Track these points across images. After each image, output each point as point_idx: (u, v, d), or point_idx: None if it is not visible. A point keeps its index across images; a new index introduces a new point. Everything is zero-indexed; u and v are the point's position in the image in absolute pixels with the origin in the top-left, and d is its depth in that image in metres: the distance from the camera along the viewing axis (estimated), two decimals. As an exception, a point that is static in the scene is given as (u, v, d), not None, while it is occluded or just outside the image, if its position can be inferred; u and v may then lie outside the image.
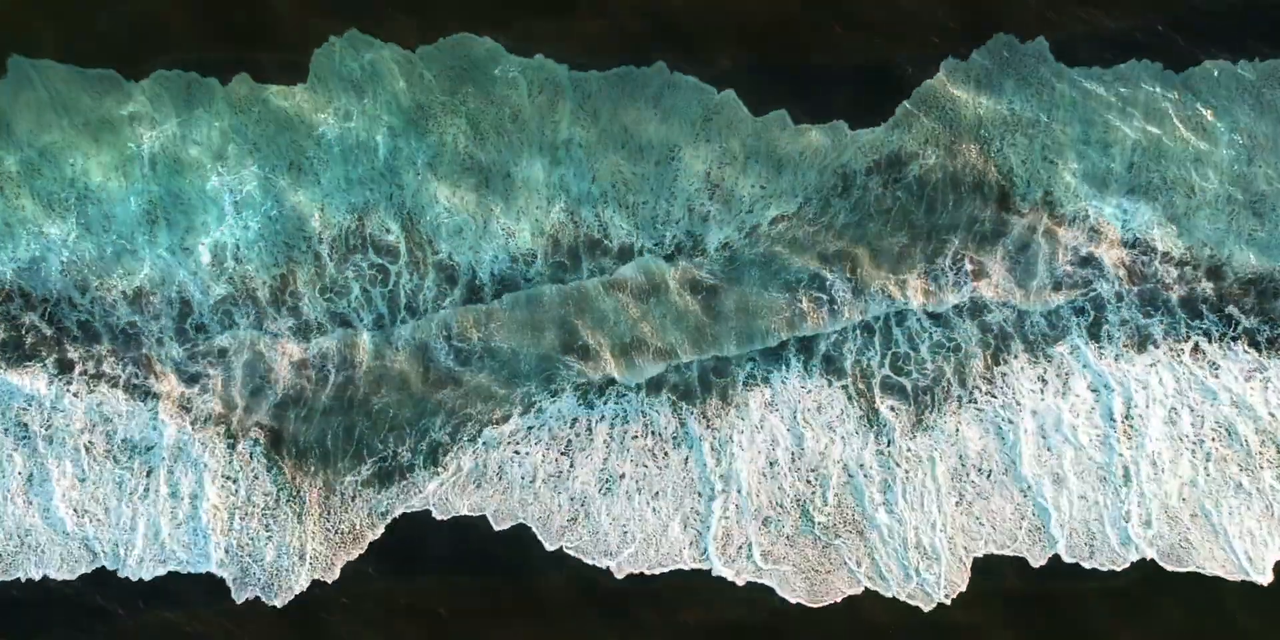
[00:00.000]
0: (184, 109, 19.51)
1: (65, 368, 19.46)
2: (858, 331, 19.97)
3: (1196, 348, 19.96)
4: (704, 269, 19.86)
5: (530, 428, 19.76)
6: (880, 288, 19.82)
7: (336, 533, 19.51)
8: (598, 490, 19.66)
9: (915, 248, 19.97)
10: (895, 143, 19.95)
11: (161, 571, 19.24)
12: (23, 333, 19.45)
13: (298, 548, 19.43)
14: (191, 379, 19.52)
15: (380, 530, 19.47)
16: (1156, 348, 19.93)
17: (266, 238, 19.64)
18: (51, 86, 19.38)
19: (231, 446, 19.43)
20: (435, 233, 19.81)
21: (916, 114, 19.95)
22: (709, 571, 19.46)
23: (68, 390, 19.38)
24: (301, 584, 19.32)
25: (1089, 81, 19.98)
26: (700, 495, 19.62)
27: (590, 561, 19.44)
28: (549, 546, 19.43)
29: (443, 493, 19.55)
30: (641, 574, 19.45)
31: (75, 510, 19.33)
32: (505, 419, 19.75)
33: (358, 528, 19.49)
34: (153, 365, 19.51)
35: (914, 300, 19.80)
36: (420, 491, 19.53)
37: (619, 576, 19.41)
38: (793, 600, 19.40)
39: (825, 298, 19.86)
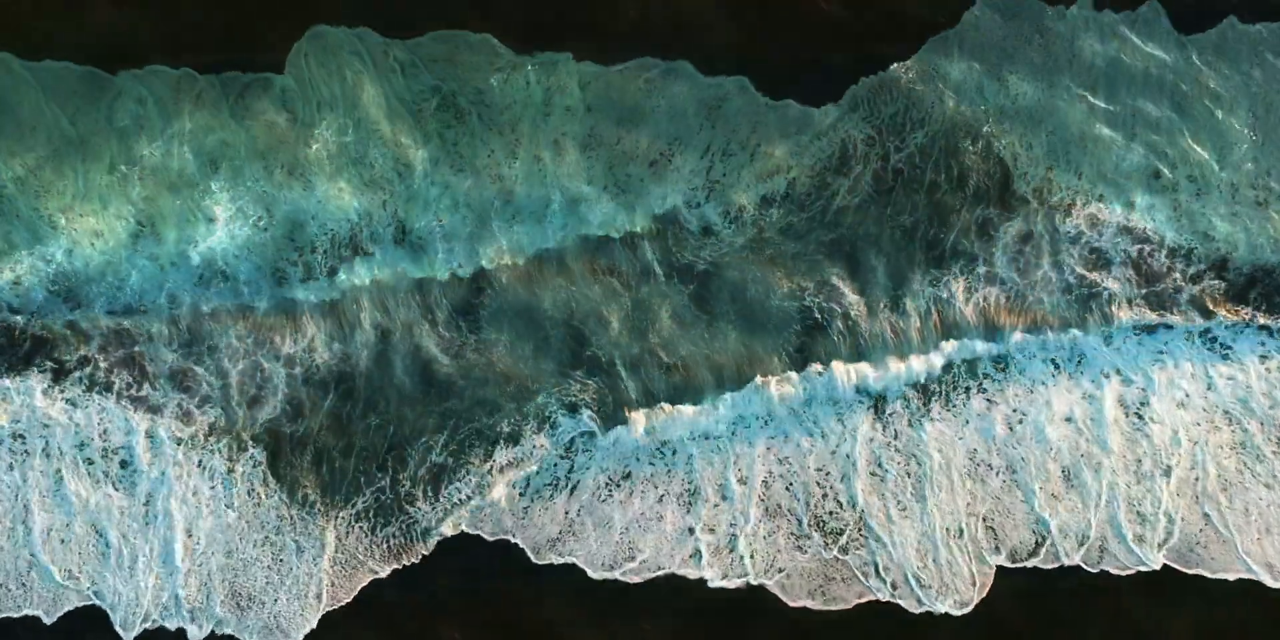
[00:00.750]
0: (172, 106, 19.18)
1: (59, 376, 19.02)
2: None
3: (1208, 332, 19.82)
4: (688, 249, 19.61)
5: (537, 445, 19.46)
6: (886, 314, 19.69)
7: (344, 573, 19.05)
8: (596, 497, 19.33)
9: (917, 234, 19.77)
10: (890, 106, 19.85)
11: (159, 625, 18.83)
12: (15, 341, 19.04)
13: (307, 591, 18.95)
14: (187, 389, 19.11)
15: (389, 569, 19.08)
16: (1170, 329, 19.79)
17: (255, 249, 19.32)
18: (42, 83, 19.06)
19: (230, 471, 18.95)
20: (429, 238, 19.51)
21: (907, 78, 19.88)
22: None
23: (61, 397, 18.95)
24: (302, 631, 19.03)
25: (1091, 38, 19.92)
26: (706, 500, 19.32)
27: (583, 567, 19.15)
28: (536, 559, 19.06)
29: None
30: (656, 572, 19.21)
31: (71, 548, 18.85)
32: (516, 437, 19.36)
33: (366, 567, 19.03)
34: (147, 375, 19.10)
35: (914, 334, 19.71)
36: (426, 528, 19.07)
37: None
38: (795, 604, 19.21)
39: (837, 310, 19.71)
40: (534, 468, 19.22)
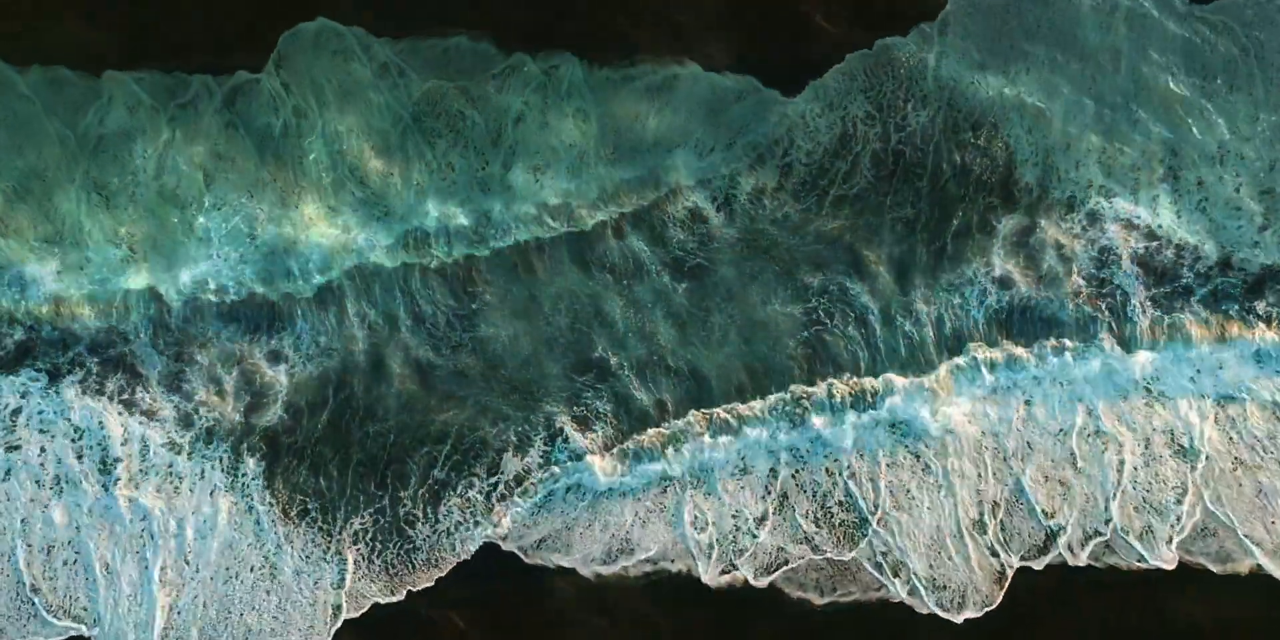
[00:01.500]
0: (164, 113, 18.92)
1: (55, 378, 18.85)
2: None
3: (1222, 325, 19.52)
4: (674, 241, 19.36)
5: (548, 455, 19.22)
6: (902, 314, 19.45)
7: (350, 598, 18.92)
8: (594, 494, 19.20)
9: (918, 227, 19.44)
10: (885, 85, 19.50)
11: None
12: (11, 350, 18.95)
13: (314, 623, 18.81)
14: (178, 390, 18.92)
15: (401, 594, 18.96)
16: (1182, 312, 19.48)
17: (247, 260, 19.12)
18: (34, 90, 18.81)
19: (230, 486, 18.79)
20: (427, 242, 19.33)
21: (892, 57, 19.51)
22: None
23: (55, 403, 18.79)
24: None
25: (1091, 19, 19.39)
26: (707, 494, 19.16)
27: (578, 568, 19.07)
28: (527, 559, 18.95)
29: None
30: (657, 571, 19.15)
31: (75, 571, 18.65)
32: (524, 447, 19.13)
33: (367, 597, 18.89)
34: (140, 378, 18.93)
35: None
36: (430, 558, 18.86)
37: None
38: (796, 596, 19.21)
39: (849, 316, 19.47)
40: (539, 492, 19.05)
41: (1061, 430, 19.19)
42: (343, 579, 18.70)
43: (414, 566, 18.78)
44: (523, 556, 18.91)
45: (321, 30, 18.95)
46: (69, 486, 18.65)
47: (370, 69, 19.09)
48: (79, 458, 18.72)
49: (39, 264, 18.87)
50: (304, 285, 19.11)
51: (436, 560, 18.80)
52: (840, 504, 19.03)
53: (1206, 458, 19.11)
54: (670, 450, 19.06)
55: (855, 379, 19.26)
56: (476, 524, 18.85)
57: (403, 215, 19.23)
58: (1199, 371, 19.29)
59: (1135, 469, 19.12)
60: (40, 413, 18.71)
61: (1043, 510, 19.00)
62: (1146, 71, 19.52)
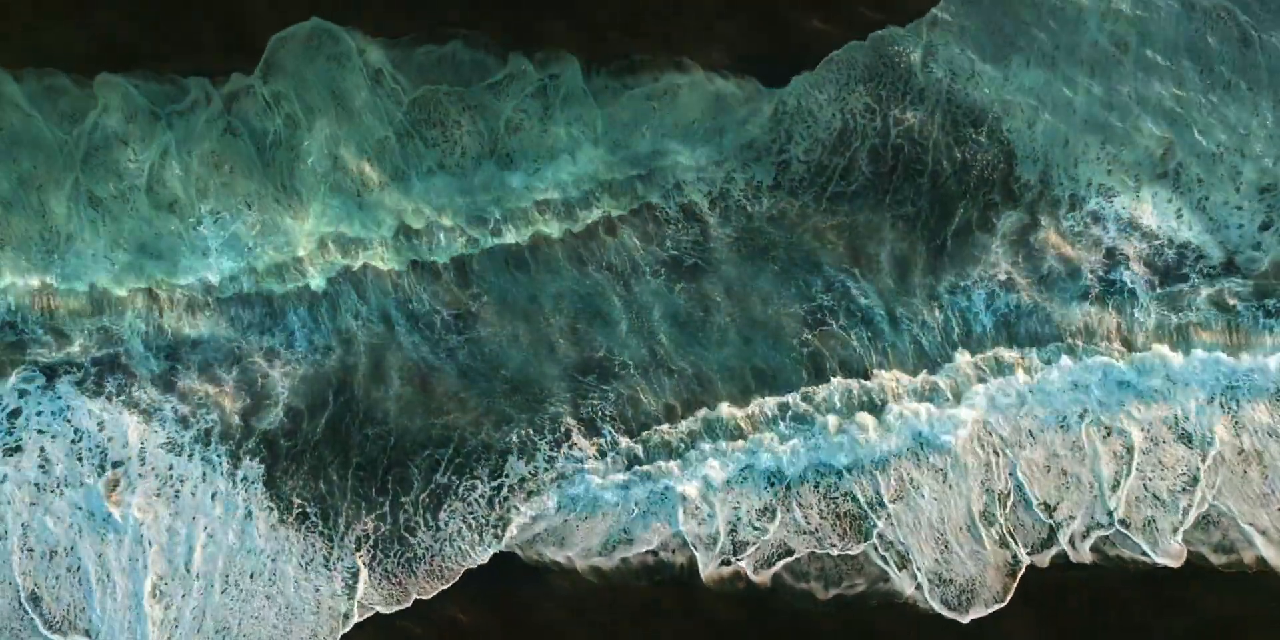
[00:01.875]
0: (161, 121, 18.92)
1: (51, 380, 18.84)
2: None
3: (1227, 322, 19.40)
4: (672, 240, 19.30)
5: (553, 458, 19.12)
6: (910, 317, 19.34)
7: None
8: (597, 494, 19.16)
9: (918, 226, 19.35)
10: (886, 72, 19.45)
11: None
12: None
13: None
14: (171, 387, 18.88)
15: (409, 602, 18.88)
16: (1187, 310, 19.36)
17: (244, 261, 19.12)
18: (28, 94, 18.80)
19: (230, 489, 18.72)
20: (426, 245, 19.31)
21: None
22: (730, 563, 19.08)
23: (53, 406, 18.78)
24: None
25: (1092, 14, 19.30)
26: (709, 489, 19.08)
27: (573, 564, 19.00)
28: (523, 556, 18.89)
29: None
30: (658, 569, 19.05)
31: (78, 581, 18.56)
32: (528, 450, 19.03)
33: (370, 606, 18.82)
34: (136, 379, 18.91)
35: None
36: (433, 570, 18.75)
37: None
38: (800, 588, 19.09)
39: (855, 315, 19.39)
40: (548, 496, 18.97)
41: (1066, 424, 19.10)
42: (352, 586, 18.60)
43: (416, 575, 18.69)
44: (519, 553, 18.84)
45: (314, 32, 18.93)
46: (69, 489, 18.61)
47: (365, 73, 19.08)
48: (79, 459, 18.70)
49: (35, 268, 18.86)
50: (300, 287, 19.08)
51: (442, 571, 18.68)
52: (845, 495, 18.96)
53: (1214, 448, 19.02)
54: (674, 452, 19.02)
55: (861, 381, 19.20)
56: (483, 532, 18.78)
57: (398, 216, 19.15)
58: (1204, 364, 19.22)
59: (1142, 456, 19.03)
60: (39, 413, 18.70)
61: (1045, 504, 18.91)
62: (1146, 65, 19.42)
